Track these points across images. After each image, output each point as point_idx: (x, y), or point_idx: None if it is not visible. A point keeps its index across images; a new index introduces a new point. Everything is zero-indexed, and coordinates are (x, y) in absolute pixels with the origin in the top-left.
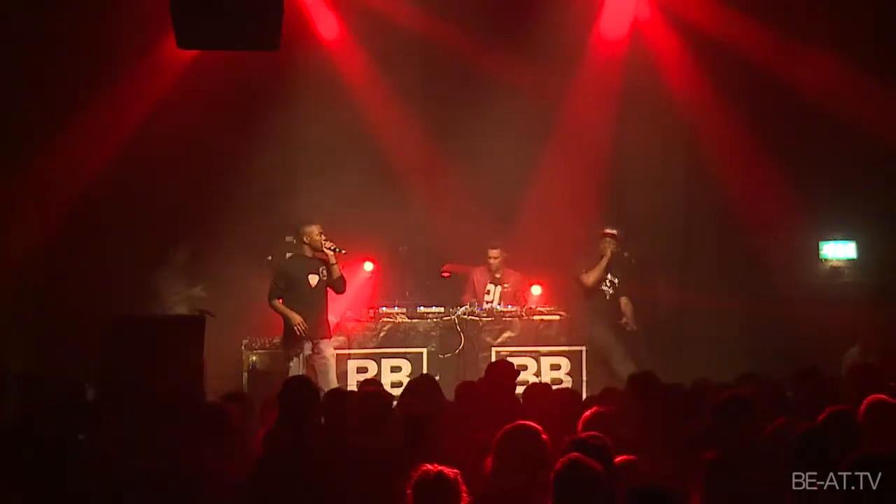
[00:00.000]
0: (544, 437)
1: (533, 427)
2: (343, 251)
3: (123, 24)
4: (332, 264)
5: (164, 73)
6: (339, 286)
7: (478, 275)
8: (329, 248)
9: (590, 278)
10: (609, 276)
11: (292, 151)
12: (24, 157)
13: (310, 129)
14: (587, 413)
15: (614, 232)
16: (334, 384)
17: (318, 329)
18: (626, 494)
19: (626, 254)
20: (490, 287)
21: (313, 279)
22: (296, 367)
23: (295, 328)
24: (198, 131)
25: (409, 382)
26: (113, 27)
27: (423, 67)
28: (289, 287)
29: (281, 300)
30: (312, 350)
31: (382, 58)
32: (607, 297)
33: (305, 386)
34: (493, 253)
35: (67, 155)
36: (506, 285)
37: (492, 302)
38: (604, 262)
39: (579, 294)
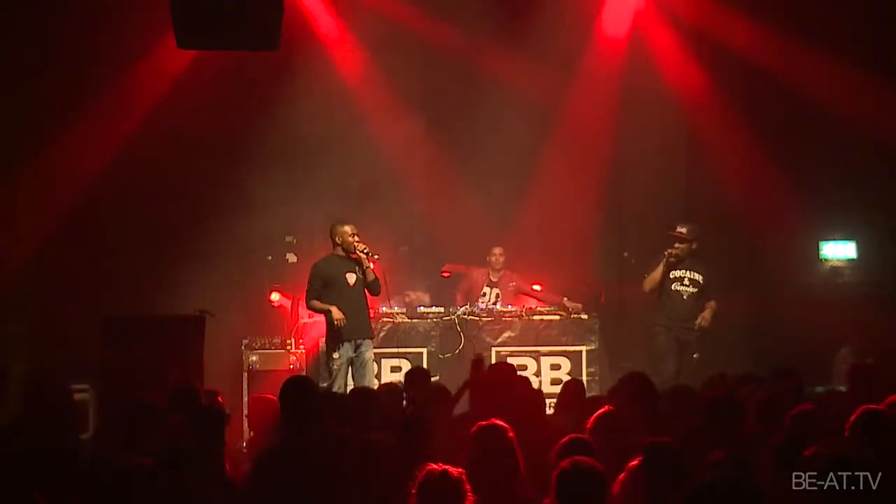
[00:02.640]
0: (510, 434)
1: (499, 425)
2: (376, 255)
3: (123, 25)
4: (366, 267)
5: (163, 73)
6: (374, 288)
7: (476, 275)
8: (362, 252)
9: (646, 284)
10: (689, 273)
11: (292, 151)
12: (23, 158)
13: (310, 129)
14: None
15: (682, 231)
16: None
17: (361, 328)
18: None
19: (625, 253)
20: (486, 290)
21: (351, 278)
22: (339, 370)
23: (335, 323)
24: (197, 132)
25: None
26: (113, 27)
27: (424, 67)
28: (327, 287)
29: (319, 300)
30: (355, 350)
31: (383, 57)
32: (685, 297)
33: (304, 385)
34: (497, 250)
35: (67, 155)
36: (511, 284)
37: (486, 304)
38: (660, 266)
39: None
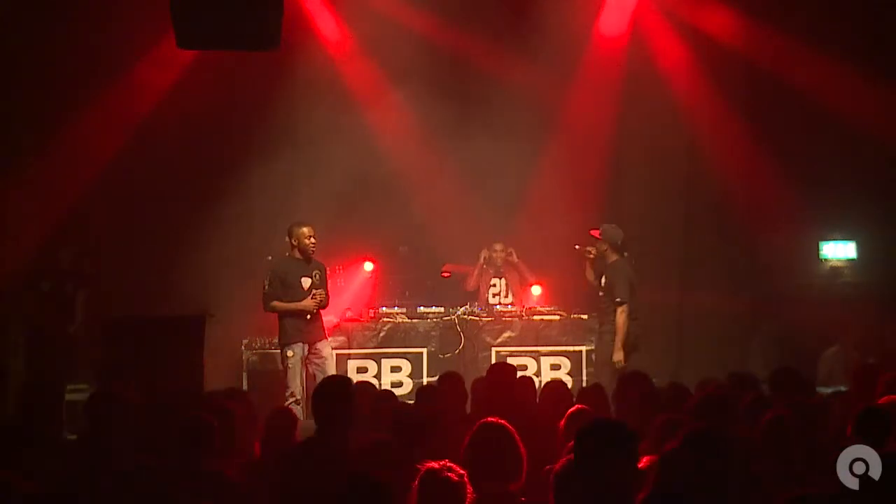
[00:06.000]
0: (512, 432)
1: (500, 423)
2: (315, 293)
3: (123, 25)
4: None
5: (163, 73)
6: (322, 301)
7: (480, 270)
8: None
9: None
10: (604, 276)
11: (292, 151)
12: (23, 158)
13: (310, 129)
14: (570, 410)
15: (595, 232)
16: None
17: (314, 332)
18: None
19: (625, 253)
20: (495, 280)
21: (306, 282)
22: (294, 368)
23: (310, 310)
24: (197, 133)
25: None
26: (113, 27)
27: (423, 66)
28: (283, 289)
29: (279, 301)
30: (308, 352)
31: (383, 57)
32: (601, 295)
33: (340, 386)
34: (498, 246)
35: (66, 156)
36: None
37: (498, 294)
38: (588, 267)
39: None
